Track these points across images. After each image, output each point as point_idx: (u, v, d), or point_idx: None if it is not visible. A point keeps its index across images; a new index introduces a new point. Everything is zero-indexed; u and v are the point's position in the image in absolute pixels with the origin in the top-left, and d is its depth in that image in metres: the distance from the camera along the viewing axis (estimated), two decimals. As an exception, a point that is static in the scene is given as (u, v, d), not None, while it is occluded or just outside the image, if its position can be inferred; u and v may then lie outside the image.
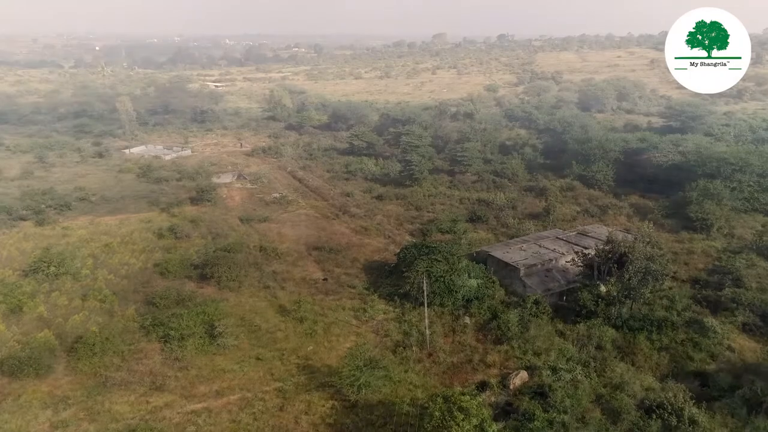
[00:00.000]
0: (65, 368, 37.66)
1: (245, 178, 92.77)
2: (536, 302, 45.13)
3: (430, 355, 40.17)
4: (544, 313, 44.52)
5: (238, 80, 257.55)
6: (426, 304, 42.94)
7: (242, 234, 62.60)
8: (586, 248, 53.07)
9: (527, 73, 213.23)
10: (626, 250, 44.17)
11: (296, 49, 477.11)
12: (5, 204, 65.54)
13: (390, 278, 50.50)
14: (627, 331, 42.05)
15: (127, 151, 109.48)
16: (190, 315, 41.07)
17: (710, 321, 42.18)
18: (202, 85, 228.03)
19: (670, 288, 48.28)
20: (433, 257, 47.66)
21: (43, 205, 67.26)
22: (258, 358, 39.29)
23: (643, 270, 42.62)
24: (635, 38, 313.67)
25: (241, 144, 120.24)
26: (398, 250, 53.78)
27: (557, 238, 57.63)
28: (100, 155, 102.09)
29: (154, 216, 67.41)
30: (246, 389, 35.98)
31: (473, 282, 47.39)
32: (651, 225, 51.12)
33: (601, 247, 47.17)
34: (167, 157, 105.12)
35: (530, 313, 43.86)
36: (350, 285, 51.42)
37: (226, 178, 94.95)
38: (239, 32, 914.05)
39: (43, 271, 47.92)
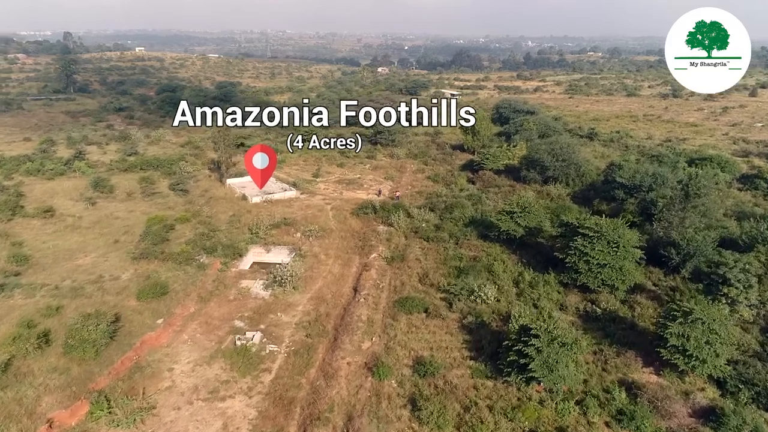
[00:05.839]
0: None
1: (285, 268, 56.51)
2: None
3: None
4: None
5: (487, 88, 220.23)
6: None
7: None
8: None
9: None
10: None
11: (591, 53, 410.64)
12: None
13: None
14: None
15: (227, 182, 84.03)
16: None
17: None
18: (436, 91, 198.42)
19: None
20: None
21: None
22: None
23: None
24: None
25: (379, 192, 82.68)
26: None
27: None
28: (184, 190, 77.70)
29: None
30: None
31: None
32: None
33: None
34: (254, 199, 75.86)
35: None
36: None
37: (273, 257, 60.46)
38: (549, 34, 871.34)
39: None
